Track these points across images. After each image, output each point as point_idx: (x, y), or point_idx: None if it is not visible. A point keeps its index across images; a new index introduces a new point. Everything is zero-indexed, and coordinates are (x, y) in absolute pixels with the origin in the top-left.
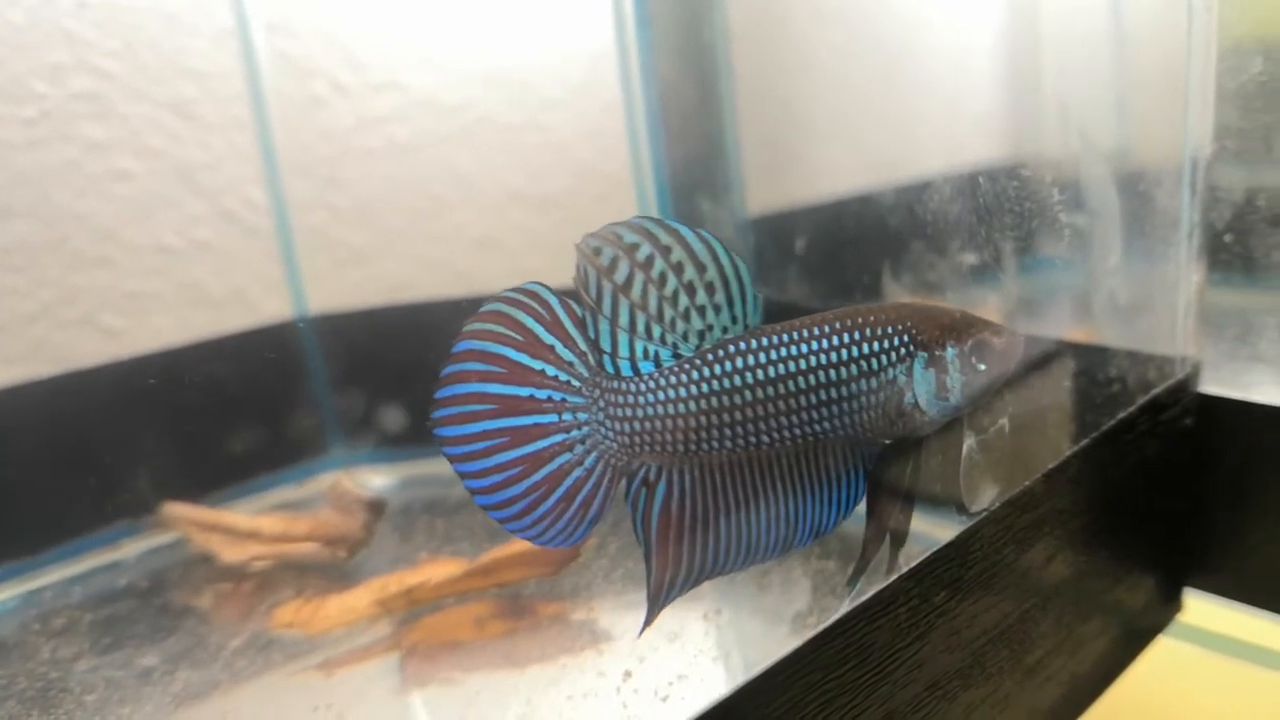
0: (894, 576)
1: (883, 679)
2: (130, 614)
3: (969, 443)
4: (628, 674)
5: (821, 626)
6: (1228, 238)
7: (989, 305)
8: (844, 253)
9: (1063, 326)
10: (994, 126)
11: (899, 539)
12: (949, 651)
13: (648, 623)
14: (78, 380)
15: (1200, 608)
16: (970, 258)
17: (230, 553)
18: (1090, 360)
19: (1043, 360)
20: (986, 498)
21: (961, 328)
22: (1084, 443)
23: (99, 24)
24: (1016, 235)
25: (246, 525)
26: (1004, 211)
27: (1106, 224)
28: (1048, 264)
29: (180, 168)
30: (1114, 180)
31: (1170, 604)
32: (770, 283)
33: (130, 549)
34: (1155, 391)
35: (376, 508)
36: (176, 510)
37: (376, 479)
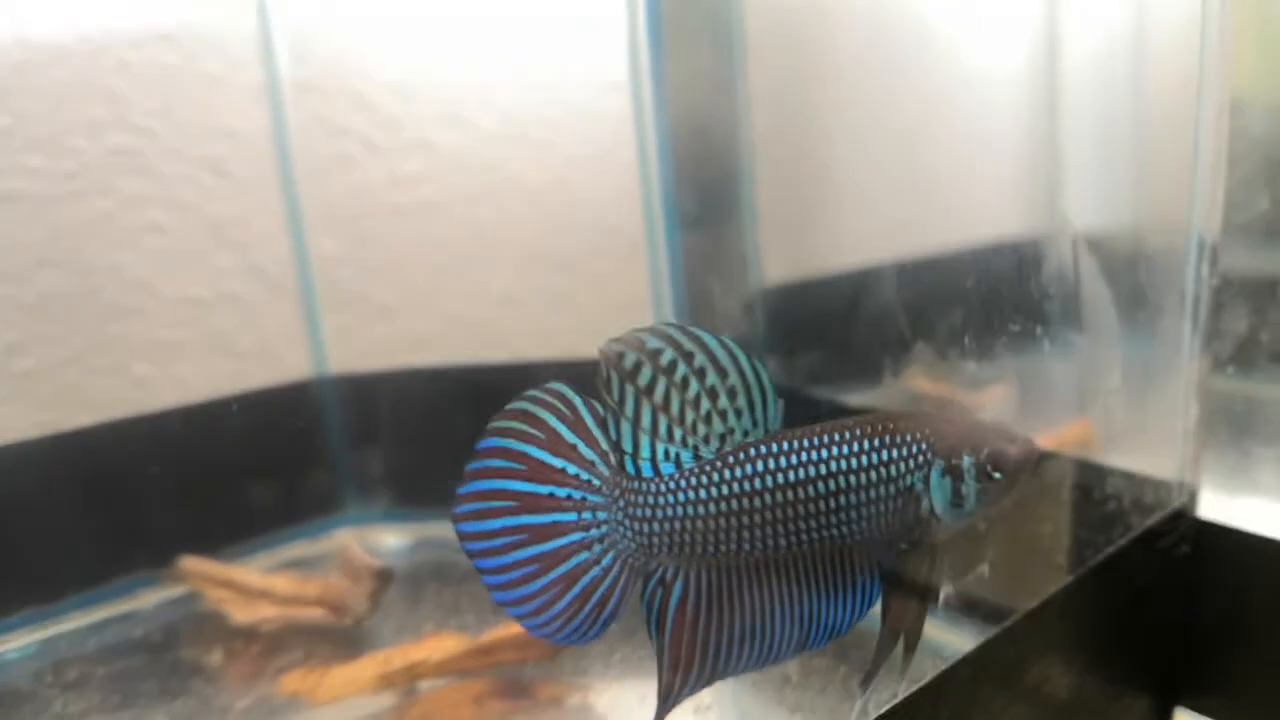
0: (905, 683)
1: None
2: (142, 669)
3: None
4: None
5: None
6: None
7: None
8: (863, 326)
9: (1059, 433)
10: (1018, 201)
11: (912, 644)
12: None
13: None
14: (102, 432)
15: None
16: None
17: (241, 613)
18: (1085, 479)
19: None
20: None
21: (978, 437)
22: (1071, 578)
23: (139, 82)
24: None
25: (259, 584)
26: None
27: (1105, 344)
28: (1046, 369)
29: (211, 222)
30: (1113, 300)
31: None
32: (785, 353)
33: (147, 600)
34: (1151, 521)
35: (384, 576)
36: (191, 565)
37: (389, 539)
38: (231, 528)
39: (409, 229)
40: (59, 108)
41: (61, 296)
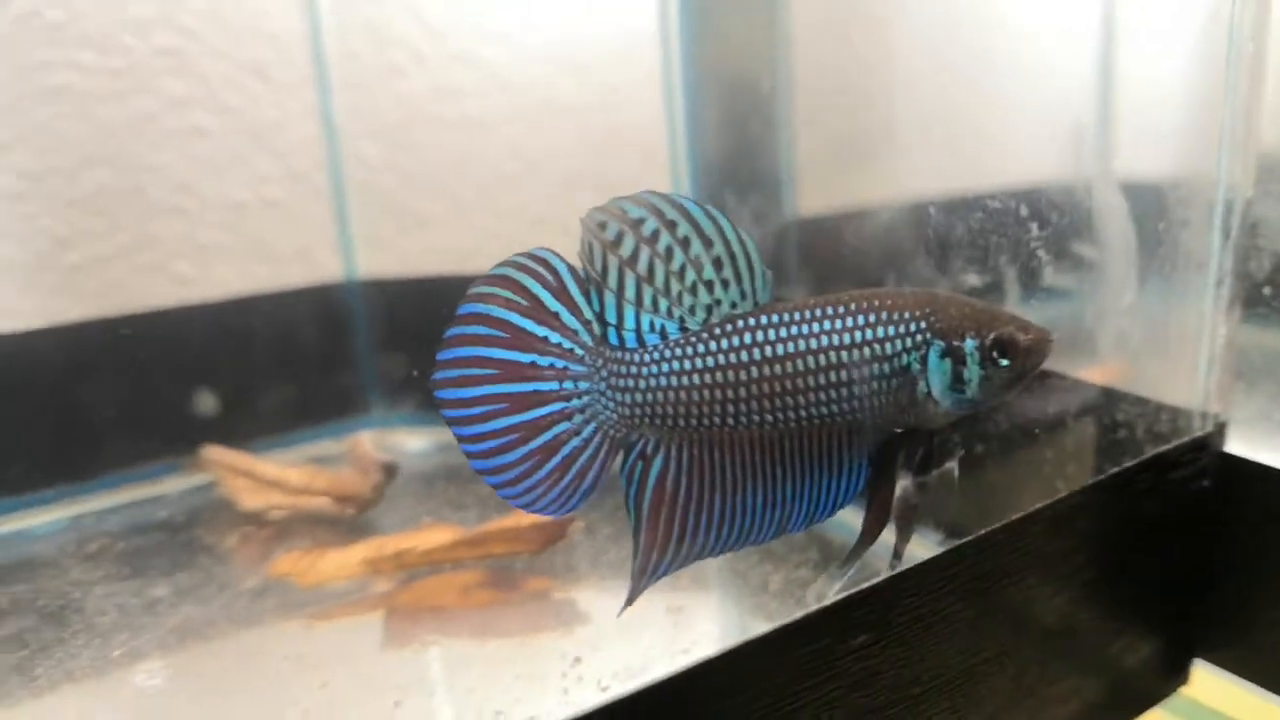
0: (898, 568)
1: (782, 714)
2: (156, 546)
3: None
4: (577, 660)
5: (730, 645)
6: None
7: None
8: (897, 260)
9: (1071, 362)
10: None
11: (905, 530)
12: (867, 696)
13: (629, 601)
14: (142, 321)
15: (1208, 682)
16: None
17: (250, 499)
18: (1093, 401)
19: (1037, 392)
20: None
21: (984, 320)
22: (1060, 497)
23: None
24: (1025, 261)
25: (274, 474)
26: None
27: (1120, 259)
28: (1060, 294)
29: (255, 127)
30: (1131, 214)
31: (1175, 674)
32: (811, 285)
33: (173, 485)
34: (1163, 448)
35: (390, 470)
36: (214, 453)
37: (410, 441)
38: (260, 422)
39: (450, 141)
40: (105, 5)
41: (107, 194)
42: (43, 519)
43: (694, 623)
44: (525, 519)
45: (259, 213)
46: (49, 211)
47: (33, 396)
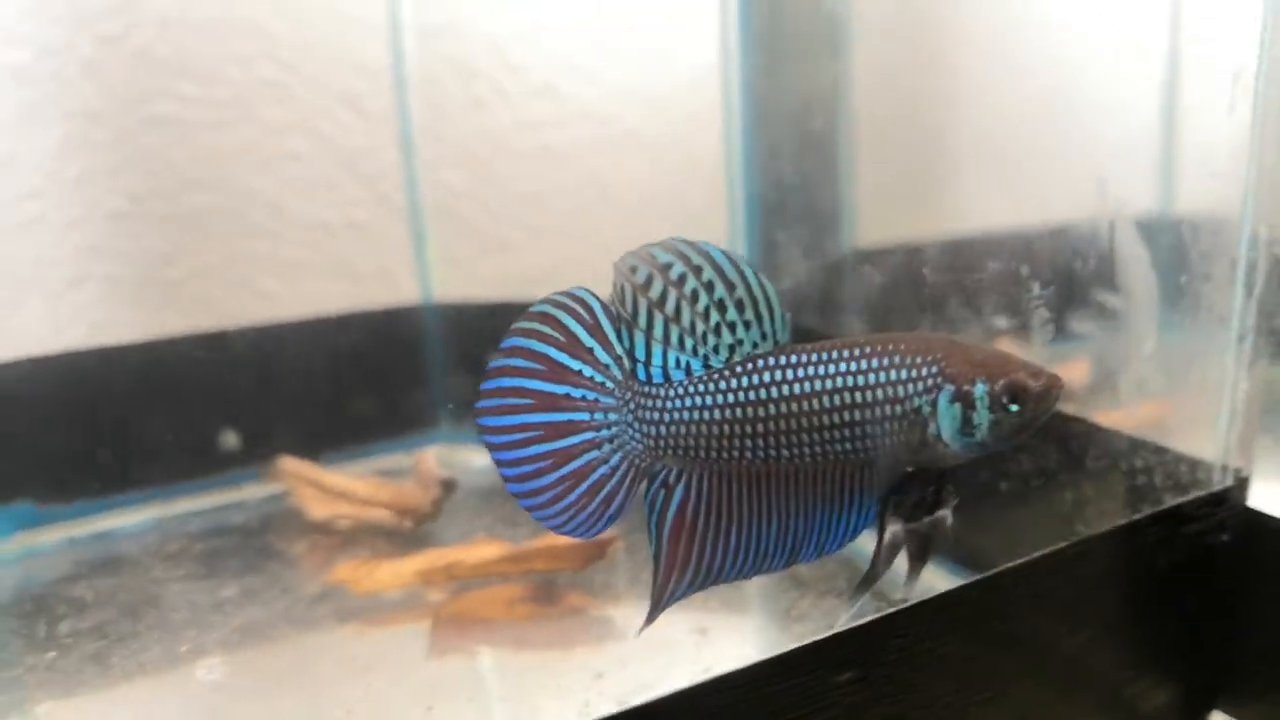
0: (910, 600)
1: None
2: (232, 550)
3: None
4: (600, 675)
5: (716, 674)
6: None
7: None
8: (960, 293)
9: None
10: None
11: (918, 561)
12: None
13: (649, 621)
14: (230, 337)
15: None
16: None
17: (318, 509)
18: (1110, 447)
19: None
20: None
21: (995, 366)
22: (1065, 544)
23: (285, 18)
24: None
25: (342, 485)
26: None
27: (1141, 307)
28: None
29: (345, 153)
30: (1152, 262)
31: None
32: (869, 317)
33: (252, 492)
34: (1177, 501)
35: (448, 486)
36: (288, 464)
37: (475, 459)
38: (336, 435)
39: (530, 171)
40: (213, 41)
41: (205, 215)
42: (132, 519)
43: (717, 644)
44: (564, 540)
45: (344, 234)
46: (153, 231)
47: (129, 405)
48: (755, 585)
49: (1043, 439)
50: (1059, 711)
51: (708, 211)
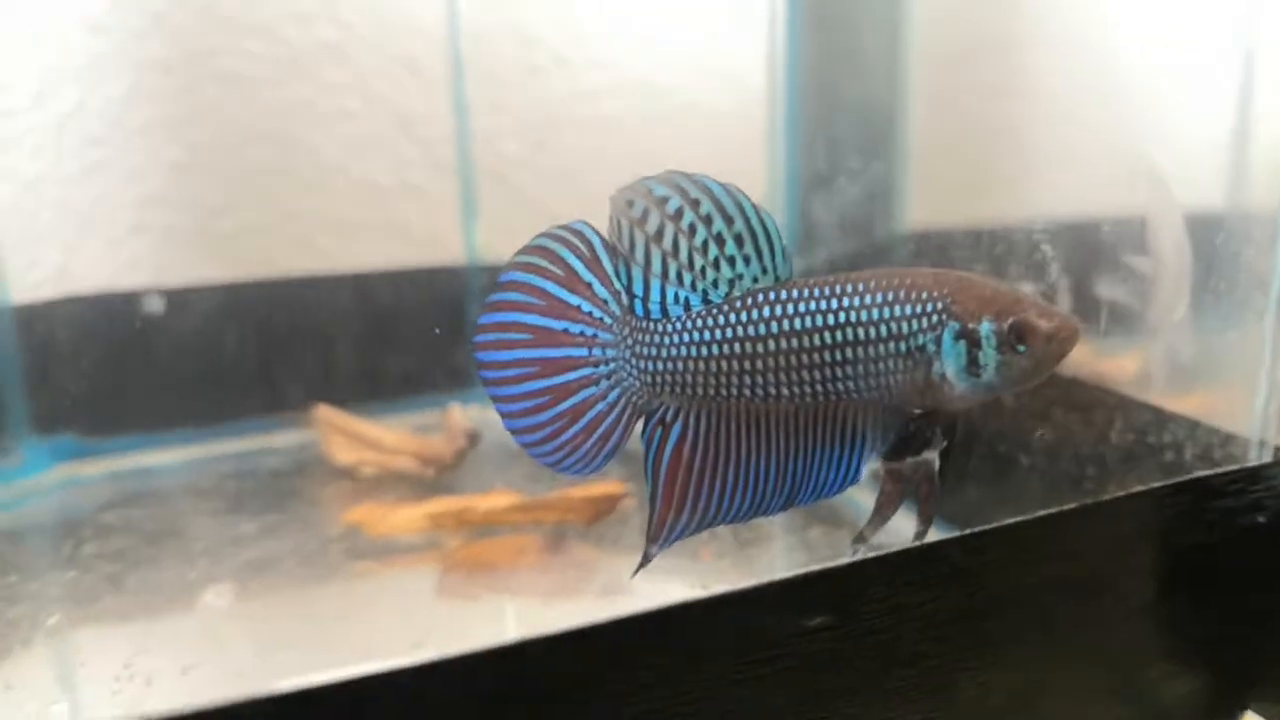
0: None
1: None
2: (259, 489)
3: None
4: None
5: (671, 601)
6: None
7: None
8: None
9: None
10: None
11: (927, 513)
12: (827, 676)
13: (644, 563)
14: (279, 288)
15: None
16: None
17: (344, 455)
18: (1137, 418)
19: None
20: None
21: (1004, 304)
22: (1072, 507)
23: None
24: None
25: (373, 435)
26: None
27: (1174, 273)
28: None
29: (402, 116)
30: (1187, 227)
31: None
32: None
33: (288, 439)
34: (1204, 473)
35: (473, 438)
36: (323, 412)
37: None
38: (379, 388)
39: (588, 140)
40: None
41: (263, 171)
42: (170, 457)
43: None
44: (577, 491)
45: (397, 195)
46: (209, 183)
47: (176, 347)
48: (765, 546)
49: (1065, 408)
50: (1063, 694)
51: (751, 184)
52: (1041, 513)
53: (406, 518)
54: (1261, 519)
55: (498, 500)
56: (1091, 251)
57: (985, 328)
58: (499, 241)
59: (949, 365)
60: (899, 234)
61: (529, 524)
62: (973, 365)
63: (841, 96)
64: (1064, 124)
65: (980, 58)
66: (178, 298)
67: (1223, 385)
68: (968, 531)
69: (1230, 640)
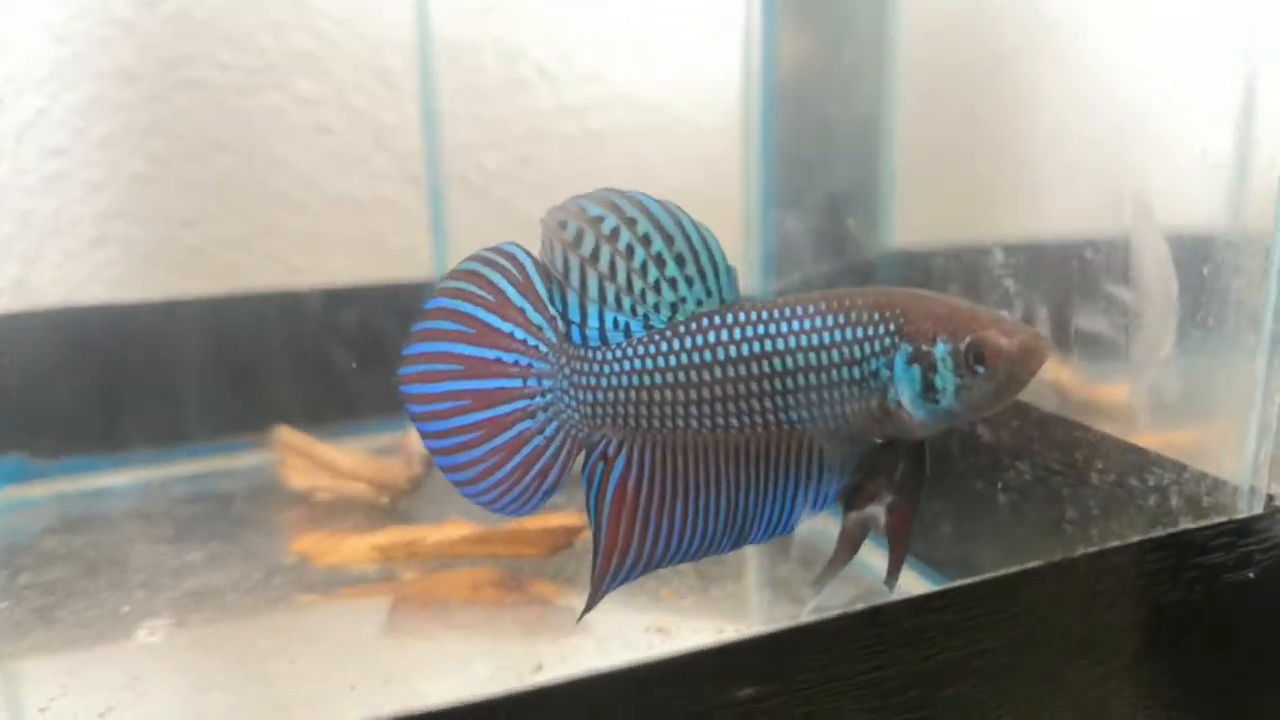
0: (893, 593)
1: None
2: (210, 515)
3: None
4: (539, 667)
5: (600, 669)
6: None
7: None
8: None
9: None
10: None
11: (898, 551)
12: None
13: (588, 607)
14: (240, 303)
15: None
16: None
17: (298, 480)
18: (1117, 459)
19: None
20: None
21: (961, 322)
22: (1048, 562)
23: None
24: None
25: (328, 458)
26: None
27: (1157, 304)
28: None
29: (377, 129)
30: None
31: None
32: None
33: (247, 460)
34: (1188, 526)
35: (429, 464)
36: (283, 434)
37: None
38: (341, 409)
39: (573, 155)
40: (249, 6)
41: (233, 182)
42: (122, 479)
43: (670, 647)
44: (533, 523)
45: (370, 209)
46: (175, 195)
47: (130, 365)
48: (730, 585)
49: (1044, 445)
50: None
51: (727, 198)
52: (1004, 571)
53: (354, 548)
54: (1252, 574)
55: (450, 531)
56: (1072, 276)
57: (940, 349)
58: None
59: (904, 391)
60: (884, 252)
61: (483, 557)
62: (929, 390)
63: (823, 110)
64: (1057, 141)
65: (969, 73)
66: (136, 312)
67: (1212, 424)
68: (919, 594)
69: (1217, 701)
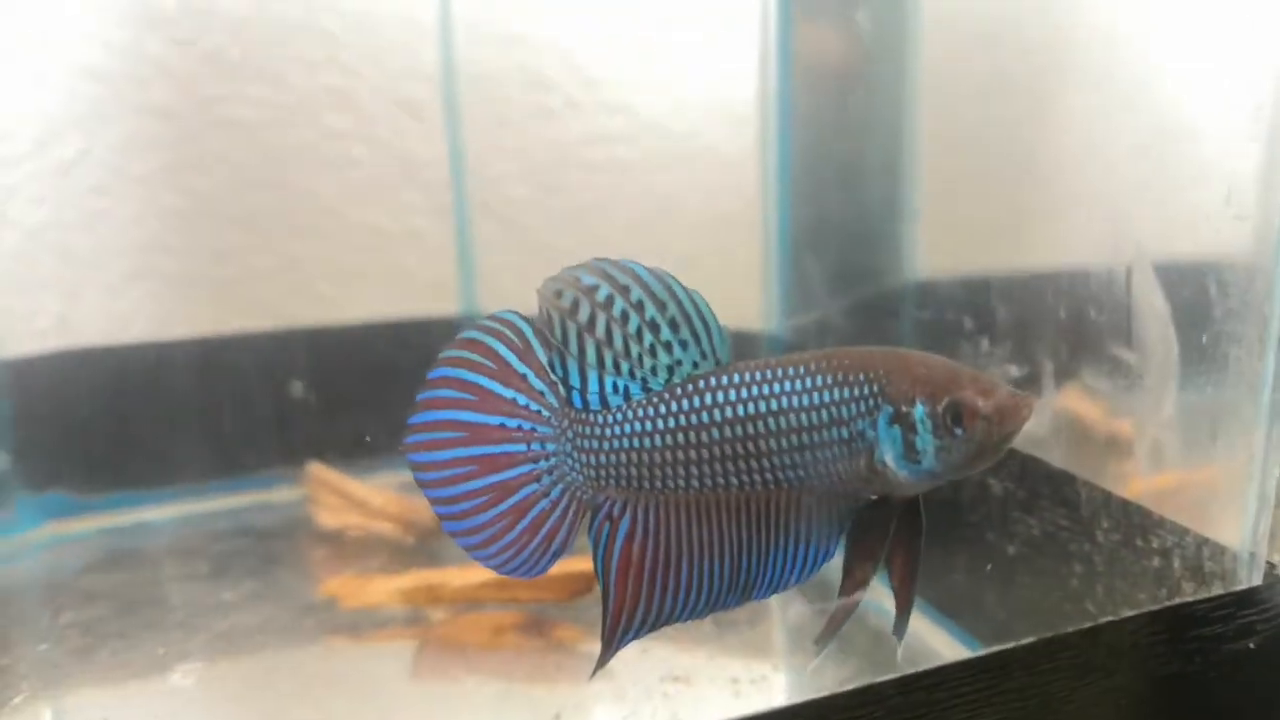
0: (900, 645)
1: None
2: (244, 552)
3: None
4: (557, 717)
5: None
6: None
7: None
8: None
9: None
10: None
11: (905, 605)
12: None
13: (600, 664)
14: (276, 338)
15: None
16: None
17: (328, 518)
18: (1115, 518)
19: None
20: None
21: (940, 383)
22: (1011, 645)
23: (352, 26)
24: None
25: (360, 495)
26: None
27: (1158, 364)
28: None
29: (405, 161)
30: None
31: None
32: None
33: (282, 495)
34: (1186, 599)
35: None
36: (316, 470)
37: None
38: (374, 445)
39: (600, 184)
40: (279, 45)
41: (264, 216)
42: (162, 514)
43: (691, 694)
44: (554, 569)
45: (400, 241)
46: (209, 229)
47: (169, 401)
48: (746, 632)
49: (1050, 501)
50: None
51: (752, 229)
52: (995, 649)
53: (381, 591)
54: (1252, 644)
55: (472, 576)
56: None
57: (919, 411)
58: (507, 286)
59: (886, 452)
60: (907, 284)
61: (505, 602)
62: (910, 451)
63: (843, 139)
64: (1085, 167)
65: (993, 96)
66: (173, 350)
67: (1212, 484)
68: (907, 672)
69: None
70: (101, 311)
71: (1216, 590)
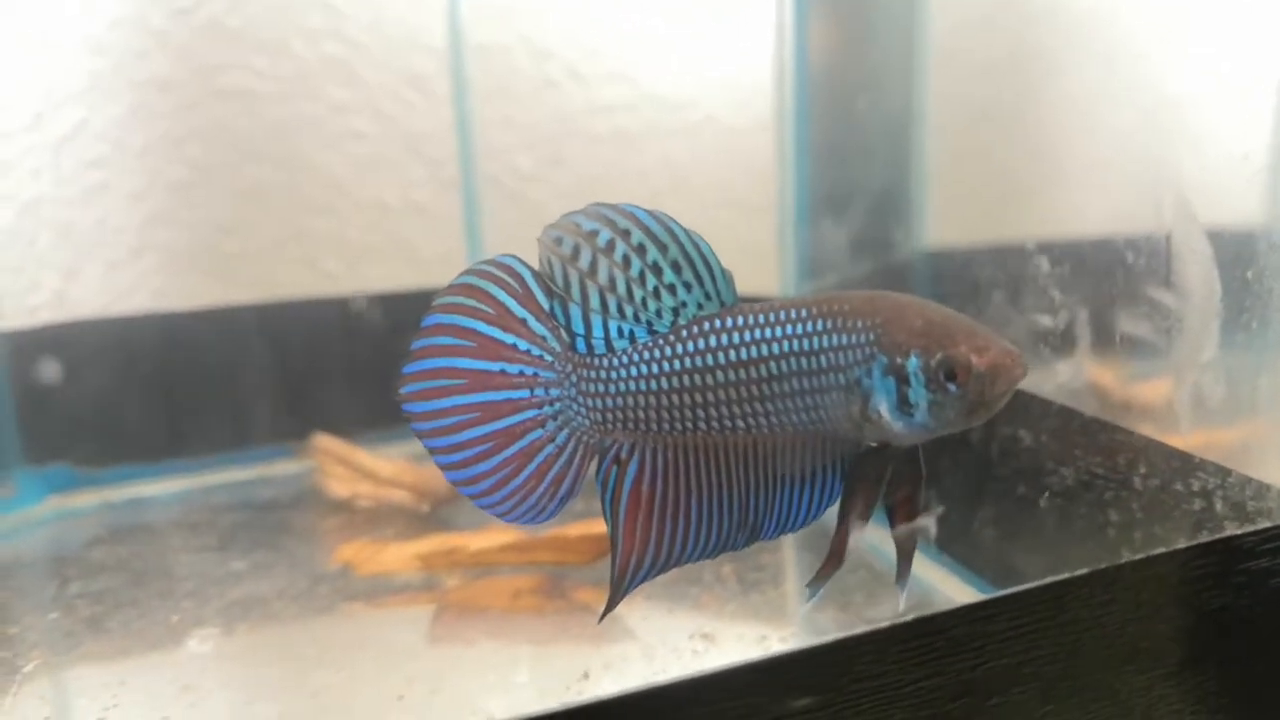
0: (903, 594)
1: None
2: (252, 523)
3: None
4: (585, 675)
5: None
6: None
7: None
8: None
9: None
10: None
11: (906, 553)
12: None
13: (609, 608)
14: (279, 311)
15: None
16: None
17: (338, 488)
18: (1161, 465)
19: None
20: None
21: (936, 337)
22: (1063, 577)
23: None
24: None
25: (369, 466)
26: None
27: (1199, 307)
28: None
29: (409, 135)
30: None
31: None
32: None
33: (286, 467)
34: (1233, 532)
35: None
36: (322, 441)
37: None
38: (380, 416)
39: (603, 154)
40: (280, 14)
41: (267, 189)
42: (165, 488)
43: (719, 652)
44: (574, 530)
45: (404, 215)
46: (214, 202)
47: (172, 375)
48: (770, 591)
49: (1085, 450)
50: None
51: (764, 200)
52: (1051, 579)
53: (396, 557)
54: None
55: (491, 539)
56: (1113, 277)
57: (913, 363)
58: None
59: (881, 402)
60: (918, 253)
61: (524, 564)
62: (904, 403)
63: (856, 107)
64: (1093, 137)
65: (1003, 69)
66: (176, 322)
67: (1256, 428)
68: (967, 602)
69: (1265, 707)
70: (105, 286)
71: (1257, 525)
